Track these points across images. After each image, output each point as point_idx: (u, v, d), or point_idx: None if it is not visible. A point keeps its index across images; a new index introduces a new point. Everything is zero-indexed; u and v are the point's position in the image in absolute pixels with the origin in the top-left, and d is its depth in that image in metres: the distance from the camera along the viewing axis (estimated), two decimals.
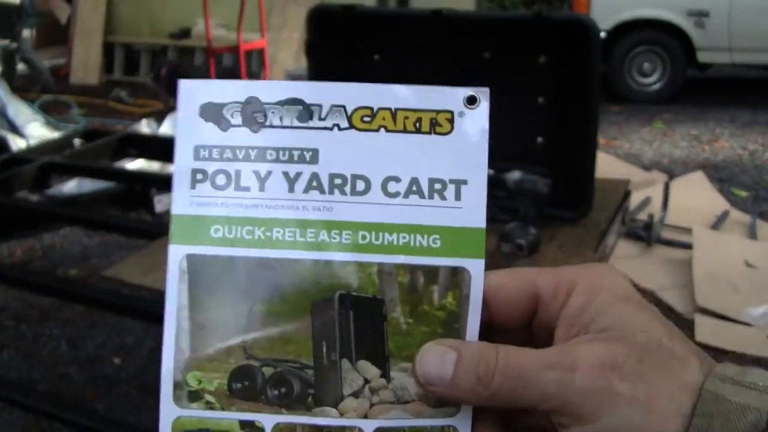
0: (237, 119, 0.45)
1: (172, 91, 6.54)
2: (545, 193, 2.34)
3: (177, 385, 0.44)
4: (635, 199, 3.96)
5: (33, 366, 3.14)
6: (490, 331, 0.45)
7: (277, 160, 0.45)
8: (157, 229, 2.82)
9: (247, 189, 0.45)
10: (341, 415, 0.44)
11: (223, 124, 0.45)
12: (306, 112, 0.45)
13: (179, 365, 0.44)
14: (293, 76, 6.44)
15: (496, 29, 2.76)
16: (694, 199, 4.52)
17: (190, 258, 0.45)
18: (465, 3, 10.62)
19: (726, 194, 4.96)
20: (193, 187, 0.45)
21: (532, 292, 0.44)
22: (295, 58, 8.17)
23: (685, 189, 4.62)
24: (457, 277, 0.45)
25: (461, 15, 3.10)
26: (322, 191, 0.45)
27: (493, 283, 0.44)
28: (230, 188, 0.45)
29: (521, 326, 0.45)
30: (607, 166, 4.67)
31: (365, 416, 0.44)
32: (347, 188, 0.45)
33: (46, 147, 3.90)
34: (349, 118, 0.45)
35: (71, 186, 3.98)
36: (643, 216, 4.09)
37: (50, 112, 7.16)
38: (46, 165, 3.54)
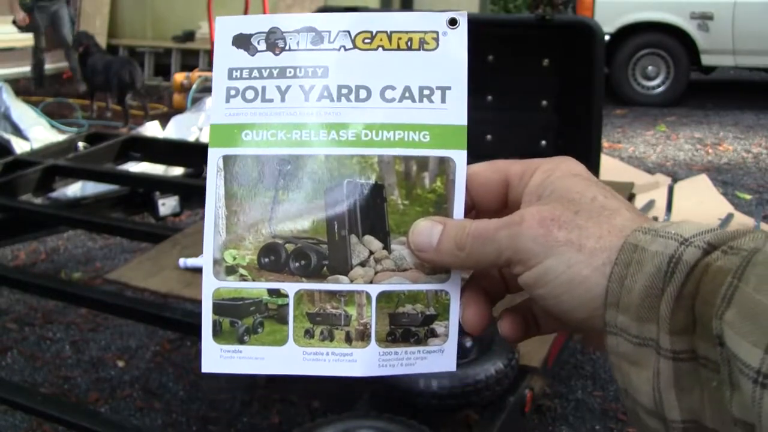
0: (262, 45, 0.54)
1: (83, 62, 7.72)
2: None
3: (216, 262, 0.53)
4: (639, 202, 3.96)
5: (36, 369, 3.15)
6: (476, 216, 0.52)
7: (294, 77, 0.53)
8: (161, 232, 2.83)
9: (270, 101, 0.53)
10: (351, 281, 0.53)
11: (251, 50, 0.54)
12: (318, 36, 0.53)
13: (218, 245, 0.53)
14: None
15: (500, 32, 2.76)
16: (698, 202, 4.50)
17: (226, 158, 0.53)
18: (469, 6, 10.64)
19: (730, 197, 4.95)
20: (227, 101, 0.54)
21: (504, 176, 0.52)
22: None
23: (688, 192, 4.61)
24: (444, 165, 0.53)
25: None
26: (332, 99, 0.53)
27: (472, 170, 0.52)
28: (257, 101, 0.53)
29: (498, 207, 0.52)
30: (610, 169, 4.67)
31: (371, 282, 0.53)
32: (352, 96, 0.53)
33: (49, 150, 3.91)
34: (353, 40, 0.53)
35: (75, 189, 3.99)
36: None
37: (54, 115, 7.17)
38: (50, 168, 3.55)
